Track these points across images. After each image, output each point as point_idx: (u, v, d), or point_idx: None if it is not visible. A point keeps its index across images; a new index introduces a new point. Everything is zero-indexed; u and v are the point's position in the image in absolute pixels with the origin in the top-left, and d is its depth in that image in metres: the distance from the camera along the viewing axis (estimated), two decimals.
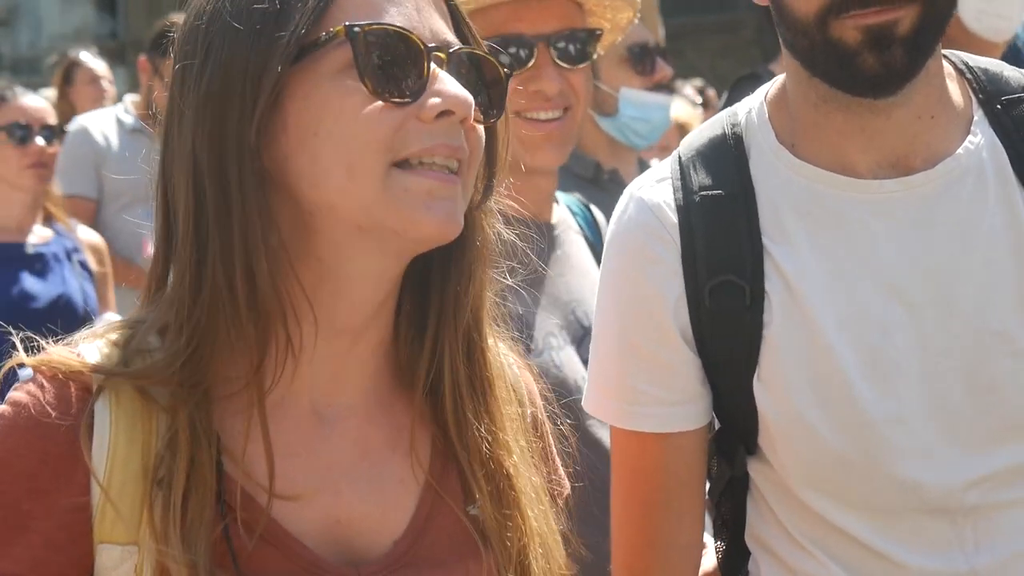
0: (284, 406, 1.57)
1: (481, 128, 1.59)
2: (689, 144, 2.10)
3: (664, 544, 2.12)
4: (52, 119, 5.18)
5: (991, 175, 1.98)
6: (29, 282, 5.03)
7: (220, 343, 1.51)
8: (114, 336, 1.56)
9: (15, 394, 1.52)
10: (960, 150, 1.98)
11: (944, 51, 2.05)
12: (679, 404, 2.05)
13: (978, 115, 2.02)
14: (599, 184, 3.84)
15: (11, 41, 27.28)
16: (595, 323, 2.13)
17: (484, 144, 1.61)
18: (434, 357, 1.64)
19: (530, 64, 2.61)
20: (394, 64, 1.52)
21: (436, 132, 1.53)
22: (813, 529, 2.00)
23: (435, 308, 1.65)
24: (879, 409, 1.93)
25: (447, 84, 1.53)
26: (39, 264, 5.07)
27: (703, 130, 2.11)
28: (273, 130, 1.52)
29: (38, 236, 5.12)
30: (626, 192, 2.11)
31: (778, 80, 2.09)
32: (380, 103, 1.51)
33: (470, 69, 1.59)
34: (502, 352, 1.74)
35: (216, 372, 1.53)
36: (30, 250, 5.06)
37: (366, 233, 1.54)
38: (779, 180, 2.01)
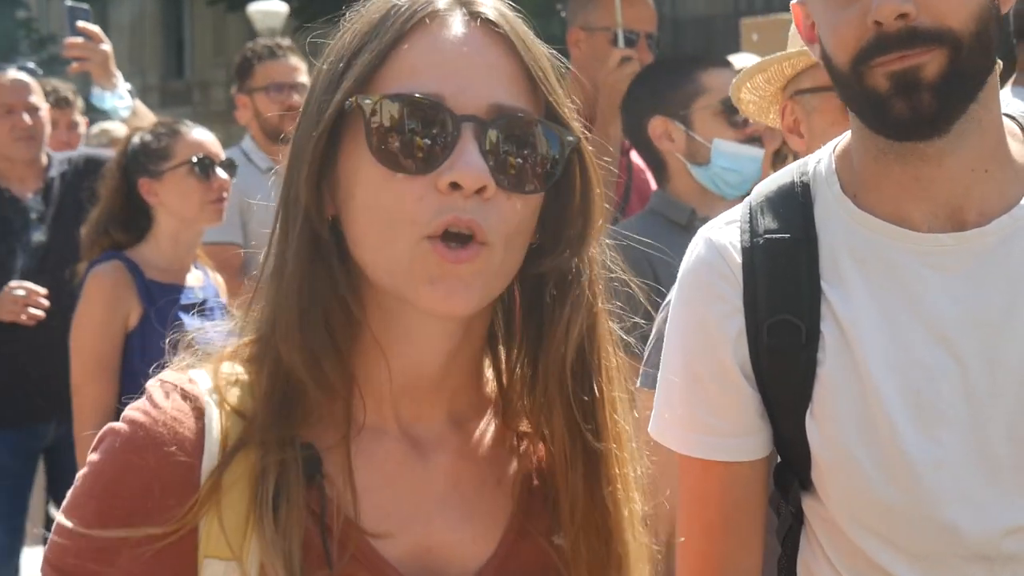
0: (379, 437, 1.63)
1: (517, 201, 1.57)
2: (760, 191, 2.21)
3: (724, 569, 2.22)
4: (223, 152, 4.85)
5: None
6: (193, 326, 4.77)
7: (308, 391, 1.56)
8: (221, 366, 1.62)
9: (130, 412, 1.57)
10: (1016, 208, 2.05)
11: (1012, 112, 2.13)
12: (739, 435, 2.15)
13: None
14: (693, 230, 3.93)
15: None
16: (664, 354, 2.23)
17: (521, 219, 1.57)
18: (543, 410, 1.65)
19: None
20: (416, 132, 1.53)
21: (448, 204, 1.53)
22: (860, 568, 2.07)
23: (543, 370, 1.64)
24: (922, 453, 2.00)
25: (463, 155, 1.52)
26: (200, 308, 4.60)
27: (775, 178, 2.22)
28: (332, 185, 1.59)
29: (194, 278, 4.82)
30: (699, 233, 2.23)
31: (846, 135, 2.19)
32: (399, 174, 1.54)
33: (519, 138, 1.57)
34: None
35: (310, 409, 1.58)
36: (192, 294, 4.73)
37: (390, 293, 1.58)
38: (840, 228, 2.10)
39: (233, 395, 1.58)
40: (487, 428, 1.70)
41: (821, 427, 2.07)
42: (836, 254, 2.09)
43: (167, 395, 1.58)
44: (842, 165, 2.16)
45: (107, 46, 5.56)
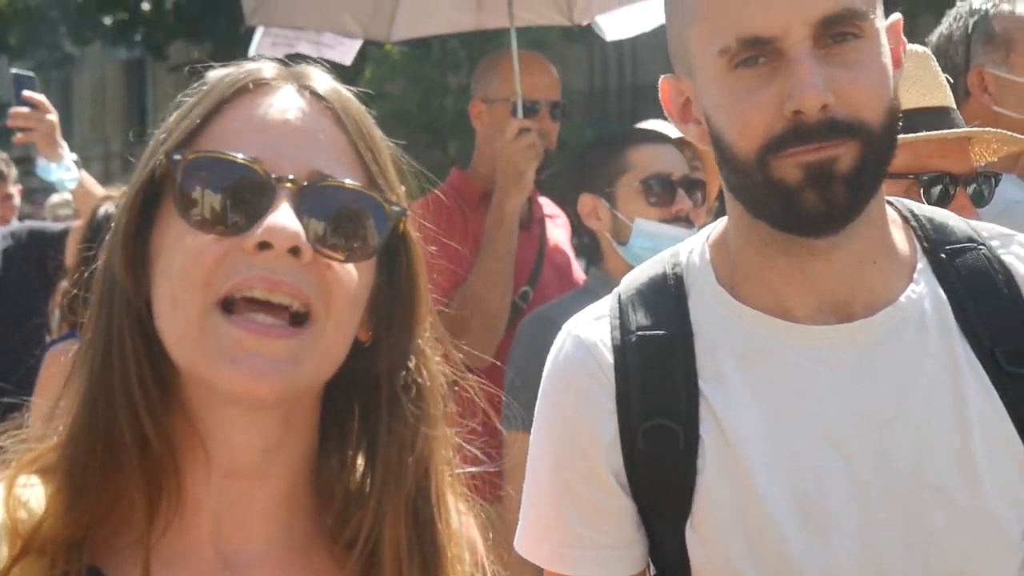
0: (189, 556, 1.51)
1: (346, 268, 1.49)
2: (629, 283, 2.09)
3: None
4: None
5: (933, 325, 1.95)
6: None
7: (109, 487, 1.45)
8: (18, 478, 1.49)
9: None
10: (902, 298, 1.96)
11: (889, 198, 2.05)
12: (614, 548, 2.00)
13: (922, 263, 2.00)
14: None
15: None
16: (529, 462, 2.08)
17: (349, 289, 1.49)
18: (375, 524, 1.54)
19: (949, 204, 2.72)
20: (227, 194, 1.45)
21: (256, 262, 1.43)
22: None
23: (376, 474, 1.55)
24: (812, 562, 1.89)
25: (277, 216, 1.44)
26: None
27: (644, 269, 2.11)
28: (150, 263, 1.49)
29: None
30: (564, 328, 2.09)
31: (721, 222, 2.08)
32: (205, 235, 1.44)
33: (337, 204, 1.49)
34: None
35: (107, 517, 1.46)
36: None
37: (191, 376, 1.47)
38: (718, 322, 1.99)
39: (22, 510, 1.45)
40: (314, 541, 1.59)
41: (702, 539, 1.94)
42: (714, 351, 1.98)
43: None
44: (717, 255, 2.05)
45: (53, 116, 5.48)
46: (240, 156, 1.46)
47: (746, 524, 1.92)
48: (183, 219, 1.46)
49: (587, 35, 4.85)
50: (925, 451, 1.91)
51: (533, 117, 4.69)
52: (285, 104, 1.53)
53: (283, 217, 1.43)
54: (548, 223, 4.88)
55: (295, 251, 1.44)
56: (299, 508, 1.58)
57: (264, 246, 1.43)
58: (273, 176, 1.46)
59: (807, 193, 1.86)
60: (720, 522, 1.93)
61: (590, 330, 2.05)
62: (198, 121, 1.51)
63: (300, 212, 1.46)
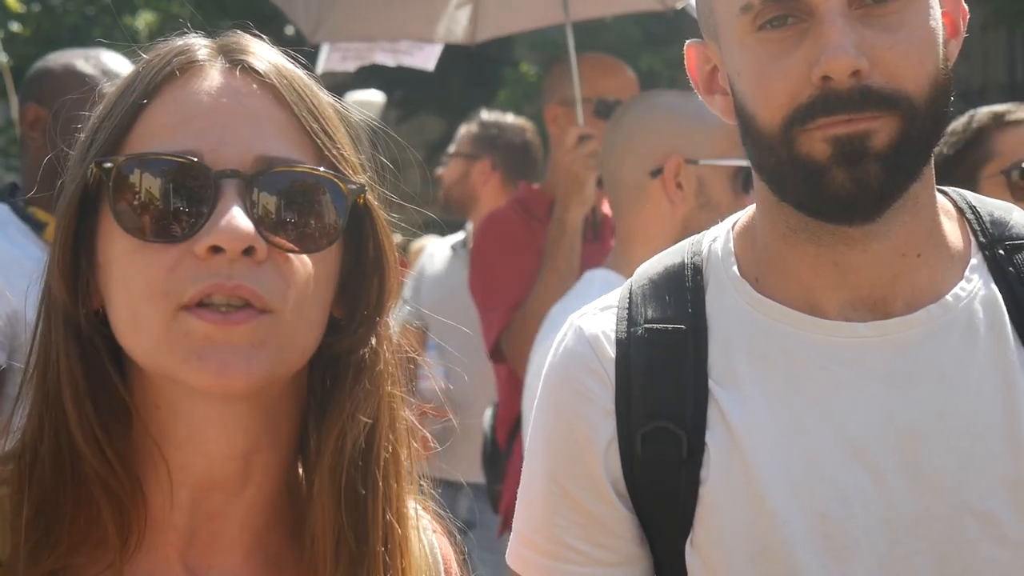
0: (156, 574, 1.44)
1: (302, 259, 1.41)
2: (643, 272, 1.89)
3: None
4: None
5: (984, 328, 1.72)
6: None
7: (71, 512, 1.38)
8: None
9: None
10: (949, 296, 1.73)
11: (945, 187, 1.83)
12: (613, 566, 1.80)
13: (976, 259, 1.77)
14: None
15: None
16: (524, 466, 1.89)
17: (307, 280, 1.41)
18: (315, 510, 1.46)
19: None
20: (167, 196, 1.37)
21: (211, 269, 1.36)
22: None
23: (312, 458, 1.47)
24: None
25: (224, 215, 1.35)
26: None
27: (662, 257, 1.90)
28: (95, 272, 1.43)
29: None
30: (569, 319, 1.90)
31: (749, 209, 1.88)
32: (151, 244, 1.37)
33: (288, 189, 1.41)
34: (413, 513, 1.55)
35: (73, 543, 1.39)
36: None
37: (163, 379, 1.41)
38: (737, 317, 1.78)
39: None
40: (289, 548, 1.51)
41: (703, 559, 1.73)
42: (730, 348, 1.77)
43: None
44: (742, 244, 1.84)
45: None
46: (177, 153, 1.37)
47: (754, 545, 1.70)
48: (124, 230, 1.38)
49: None
50: (969, 472, 1.67)
51: (605, 119, 4.54)
52: (218, 87, 1.42)
53: (232, 216, 1.35)
54: None
55: (249, 251, 1.36)
56: (276, 516, 1.50)
57: (216, 250, 1.35)
58: (214, 170, 1.37)
59: (835, 171, 1.66)
60: (724, 541, 1.71)
61: (594, 322, 1.85)
62: (124, 119, 1.41)
63: (249, 206, 1.37)
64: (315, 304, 1.43)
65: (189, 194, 1.37)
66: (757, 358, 1.76)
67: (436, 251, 6.04)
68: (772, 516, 1.69)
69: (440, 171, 6.28)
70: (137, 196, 1.37)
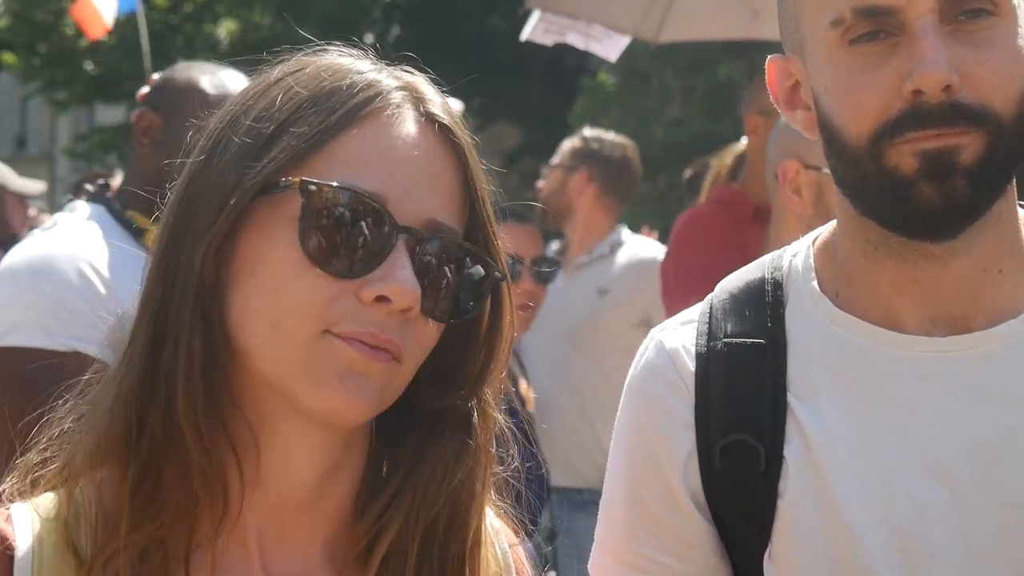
0: (238, 568, 1.48)
1: (433, 325, 1.47)
2: (724, 287, 1.90)
3: None
4: None
5: None
6: None
7: (165, 485, 1.41)
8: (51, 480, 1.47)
9: None
10: None
11: None
12: None
13: None
14: None
15: None
16: (606, 479, 1.91)
17: (432, 343, 1.48)
18: (391, 541, 1.50)
19: None
20: (349, 231, 1.42)
21: (370, 317, 1.42)
22: None
23: (403, 503, 1.50)
24: None
25: (398, 268, 1.41)
26: None
27: (743, 273, 1.91)
28: (225, 256, 1.44)
29: None
30: (651, 333, 1.92)
31: (830, 225, 1.88)
32: (320, 270, 1.41)
33: (448, 262, 1.47)
34: (490, 530, 1.60)
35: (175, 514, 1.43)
36: None
37: (276, 393, 1.44)
38: (816, 332, 1.79)
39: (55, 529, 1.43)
40: (348, 565, 1.54)
41: (782, 571, 1.73)
42: (809, 363, 1.77)
43: None
44: (823, 259, 1.85)
45: None
46: (370, 194, 1.42)
47: (831, 559, 1.70)
48: (302, 248, 1.42)
49: None
50: None
51: None
52: (414, 138, 1.47)
53: (406, 275, 1.41)
54: None
55: (407, 309, 1.42)
56: (344, 527, 1.54)
57: (382, 299, 1.41)
58: (399, 223, 1.43)
59: (923, 185, 1.66)
60: (802, 554, 1.72)
61: (674, 336, 1.87)
62: (320, 138, 1.44)
63: (415, 267, 1.43)
64: (423, 357, 1.49)
65: (371, 237, 1.42)
66: (835, 372, 1.76)
67: None
68: (848, 530, 1.70)
69: (540, 183, 6.38)
70: (324, 221, 1.41)
